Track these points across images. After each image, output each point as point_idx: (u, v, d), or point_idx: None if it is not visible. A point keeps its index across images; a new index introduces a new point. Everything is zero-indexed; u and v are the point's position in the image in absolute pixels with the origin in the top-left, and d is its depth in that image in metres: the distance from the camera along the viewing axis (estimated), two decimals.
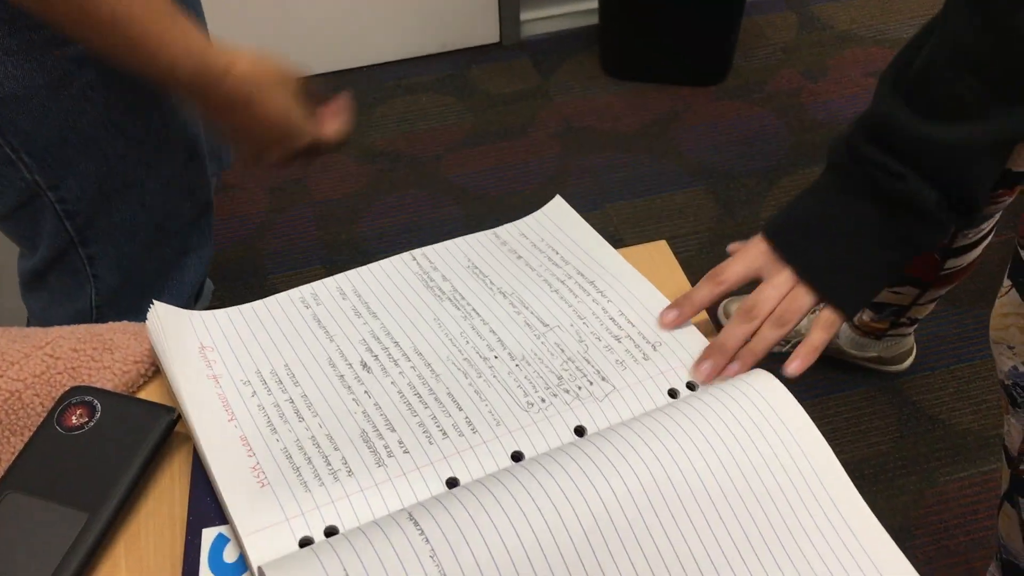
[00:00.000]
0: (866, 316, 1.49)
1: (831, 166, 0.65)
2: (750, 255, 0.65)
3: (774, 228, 0.65)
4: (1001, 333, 1.00)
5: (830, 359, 1.61)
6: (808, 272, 0.63)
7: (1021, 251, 0.91)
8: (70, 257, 0.88)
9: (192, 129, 0.90)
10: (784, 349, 1.58)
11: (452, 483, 0.52)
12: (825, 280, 0.62)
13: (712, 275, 0.64)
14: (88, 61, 0.75)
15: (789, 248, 0.64)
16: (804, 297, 0.62)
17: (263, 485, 0.52)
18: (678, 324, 0.63)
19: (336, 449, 0.54)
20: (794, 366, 0.61)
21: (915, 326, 1.50)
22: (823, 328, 0.62)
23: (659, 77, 2.20)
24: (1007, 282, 0.96)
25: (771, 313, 0.62)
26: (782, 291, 0.63)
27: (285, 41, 2.20)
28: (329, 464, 0.53)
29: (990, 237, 1.30)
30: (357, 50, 2.26)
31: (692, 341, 0.61)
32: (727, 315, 1.58)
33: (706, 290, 0.64)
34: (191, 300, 1.00)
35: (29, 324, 0.99)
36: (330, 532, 0.49)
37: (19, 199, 0.83)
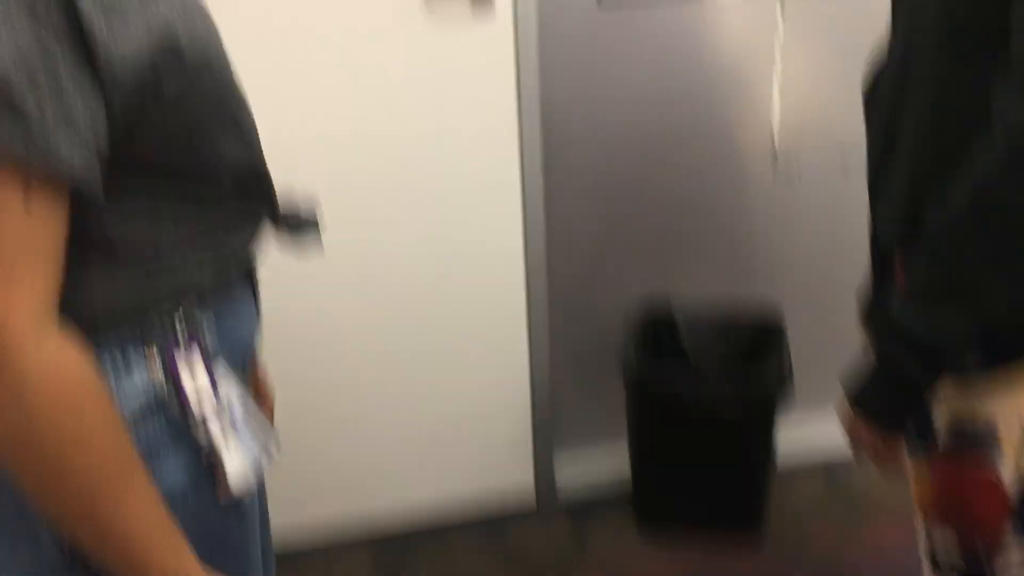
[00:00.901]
0: None
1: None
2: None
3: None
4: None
5: None
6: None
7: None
8: None
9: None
10: None
11: None
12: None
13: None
14: (151, 412, 0.80)
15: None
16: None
17: None
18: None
19: None
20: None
21: None
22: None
23: (695, 536, 2.20)
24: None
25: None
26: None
27: (319, 498, 2.25)
28: None
29: None
30: (394, 515, 2.30)
31: None
32: None
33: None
34: None
35: None
36: None
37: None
